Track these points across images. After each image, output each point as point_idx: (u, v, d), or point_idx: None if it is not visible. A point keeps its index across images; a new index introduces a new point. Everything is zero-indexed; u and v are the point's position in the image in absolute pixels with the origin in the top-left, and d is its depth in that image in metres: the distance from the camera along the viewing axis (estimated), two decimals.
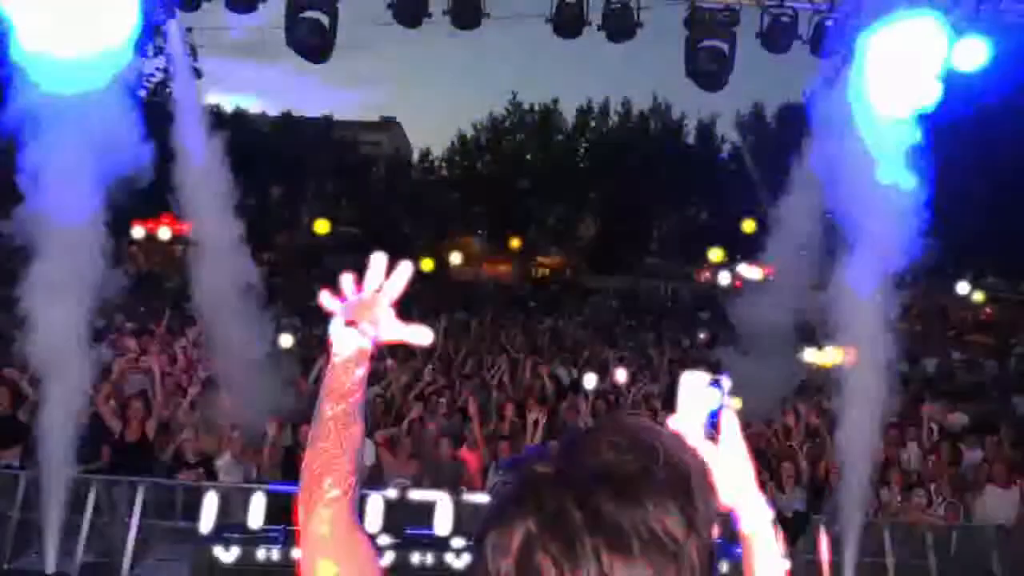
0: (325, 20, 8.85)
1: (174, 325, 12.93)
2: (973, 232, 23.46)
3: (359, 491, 1.45)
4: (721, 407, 1.30)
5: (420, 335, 1.69)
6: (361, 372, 1.51)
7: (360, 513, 1.46)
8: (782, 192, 11.79)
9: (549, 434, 9.09)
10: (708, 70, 9.10)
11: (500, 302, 27.69)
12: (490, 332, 17.21)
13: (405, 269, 1.67)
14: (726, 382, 1.32)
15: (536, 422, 9.26)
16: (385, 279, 1.62)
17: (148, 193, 8.32)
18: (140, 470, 8.18)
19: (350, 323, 1.55)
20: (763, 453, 9.18)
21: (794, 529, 8.28)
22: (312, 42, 8.85)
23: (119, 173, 7.20)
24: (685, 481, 0.98)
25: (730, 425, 1.30)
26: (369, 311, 1.58)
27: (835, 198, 8.37)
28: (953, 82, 11.40)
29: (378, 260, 1.64)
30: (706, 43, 9.04)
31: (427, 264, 43.67)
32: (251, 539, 6.04)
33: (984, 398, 12.99)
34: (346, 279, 1.64)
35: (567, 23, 8.85)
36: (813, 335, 11.53)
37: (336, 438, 1.44)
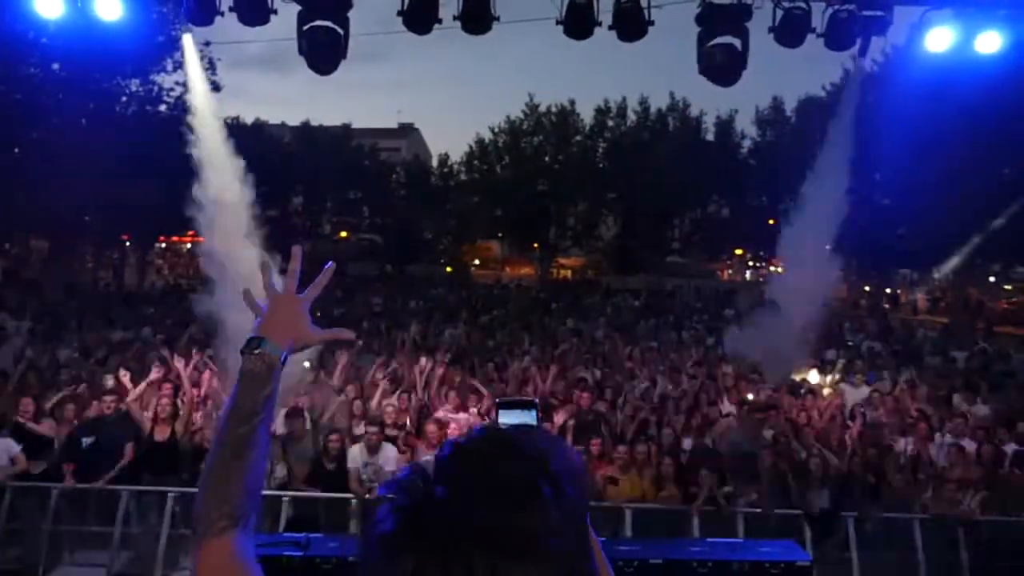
0: (336, 29, 8.91)
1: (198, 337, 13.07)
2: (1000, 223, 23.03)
3: (254, 518, 1.37)
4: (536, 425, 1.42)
5: (341, 335, 1.69)
6: (269, 390, 1.45)
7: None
8: (803, 184, 11.77)
9: (576, 437, 9.09)
10: (721, 66, 9.05)
11: (522, 304, 27.66)
12: (512, 334, 17.22)
13: (329, 271, 1.65)
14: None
15: (564, 424, 9.27)
16: (296, 275, 1.60)
17: (173, 207, 8.45)
18: (167, 469, 8.33)
19: (265, 335, 1.50)
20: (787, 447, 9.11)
21: (821, 528, 8.20)
22: (323, 52, 8.91)
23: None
24: (558, 478, 0.97)
25: None
26: (286, 317, 1.54)
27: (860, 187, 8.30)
28: (980, 72, 11.31)
29: (296, 254, 1.60)
30: (718, 39, 8.99)
31: (448, 268, 43.91)
32: (275, 544, 6.09)
33: (1014, 390, 12.73)
34: (265, 269, 1.60)
35: (577, 24, 8.83)
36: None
37: (232, 461, 1.37)
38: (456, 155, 45.20)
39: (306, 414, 9.17)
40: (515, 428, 1.15)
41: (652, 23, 8.86)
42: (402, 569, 0.90)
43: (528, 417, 1.42)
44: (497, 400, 1.48)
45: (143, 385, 9.03)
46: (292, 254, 1.60)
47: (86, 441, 8.45)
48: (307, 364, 10.38)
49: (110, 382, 9.93)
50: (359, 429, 9.05)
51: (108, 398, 8.83)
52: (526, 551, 0.90)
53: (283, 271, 1.65)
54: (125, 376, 9.22)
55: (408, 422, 9.44)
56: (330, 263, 1.66)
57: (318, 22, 8.91)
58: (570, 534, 0.95)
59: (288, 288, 1.59)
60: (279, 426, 8.62)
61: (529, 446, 1.01)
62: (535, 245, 42.79)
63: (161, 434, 8.64)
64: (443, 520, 0.91)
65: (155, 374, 9.36)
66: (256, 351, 1.47)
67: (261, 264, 1.62)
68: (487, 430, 1.07)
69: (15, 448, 8.31)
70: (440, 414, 9.47)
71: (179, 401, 9.02)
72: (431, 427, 8.77)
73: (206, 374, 10.02)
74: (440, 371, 10.58)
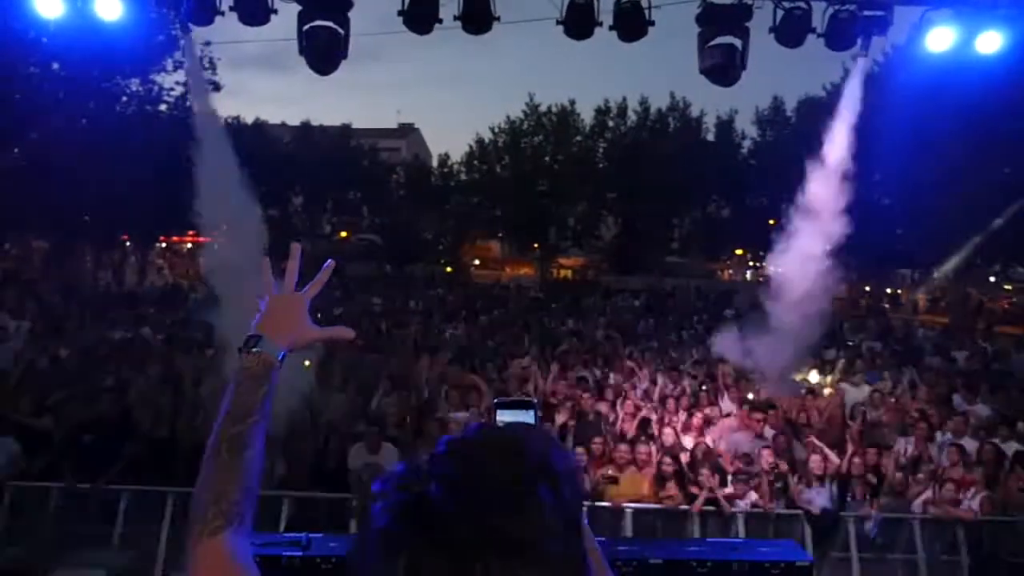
0: (336, 29, 8.91)
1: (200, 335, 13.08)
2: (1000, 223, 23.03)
3: (250, 517, 1.36)
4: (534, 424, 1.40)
5: (341, 333, 1.68)
6: (265, 390, 1.44)
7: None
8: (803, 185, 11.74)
9: (577, 437, 9.10)
10: (721, 66, 9.04)
11: (522, 304, 27.65)
12: (512, 335, 17.21)
13: (328, 268, 1.64)
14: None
15: (564, 424, 9.28)
16: (295, 272, 1.59)
17: (173, 206, 8.46)
18: (167, 467, 8.33)
19: (263, 334, 1.50)
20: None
21: (822, 528, 8.20)
22: (323, 51, 8.91)
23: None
24: (556, 480, 0.97)
25: None
26: (285, 315, 1.54)
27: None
28: (981, 72, 11.31)
29: (295, 251, 1.60)
30: (718, 39, 8.99)
31: (448, 268, 43.90)
32: (275, 544, 6.09)
33: (1014, 390, 12.72)
34: (265, 268, 1.60)
35: (577, 24, 8.82)
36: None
37: (228, 460, 1.36)
38: (456, 155, 45.30)
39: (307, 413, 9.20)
40: (512, 427, 1.14)
41: (652, 23, 8.86)
42: (397, 566, 0.89)
43: (527, 417, 1.41)
44: (495, 400, 1.47)
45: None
46: (291, 251, 1.60)
47: (86, 439, 8.46)
48: (307, 363, 10.39)
49: (109, 382, 9.98)
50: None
51: (108, 396, 8.85)
52: (523, 553, 0.89)
53: (283, 269, 1.65)
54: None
55: (408, 420, 9.44)
56: (329, 261, 1.66)
57: (318, 22, 8.90)
58: (566, 536, 0.94)
59: (287, 286, 1.59)
60: (280, 425, 8.63)
61: (526, 446, 1.00)
62: (535, 245, 42.80)
63: (160, 432, 8.66)
64: (438, 518, 0.90)
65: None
66: (254, 350, 1.48)
67: (262, 261, 1.61)
68: (483, 428, 1.07)
69: (14, 448, 8.32)
70: (440, 413, 9.47)
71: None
72: (432, 426, 8.78)
73: None
74: (439, 370, 10.60)
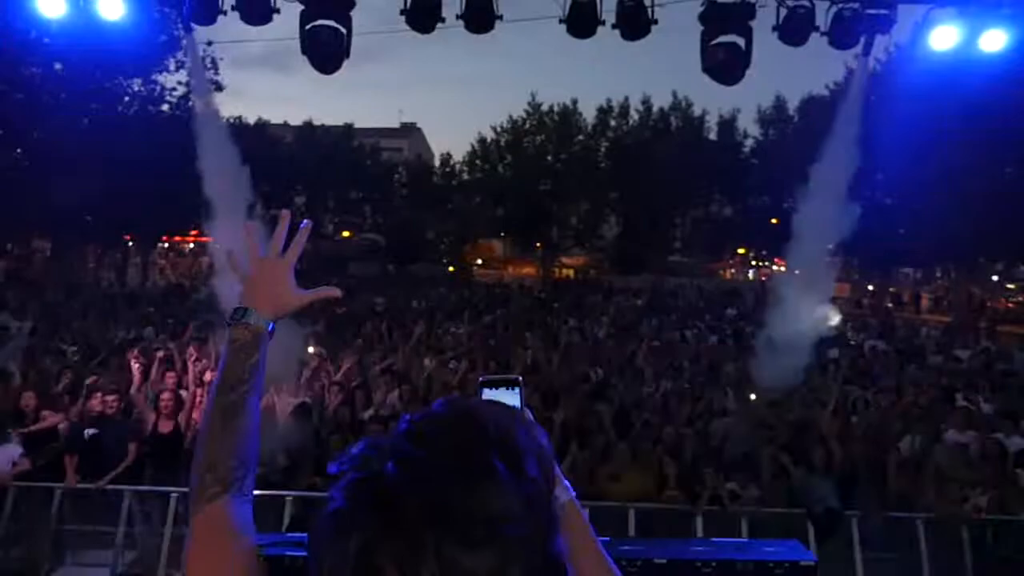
0: (339, 28, 8.91)
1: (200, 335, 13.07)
2: (1003, 221, 22.97)
3: (250, 485, 1.37)
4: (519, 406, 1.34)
5: (327, 293, 1.68)
6: (256, 359, 1.46)
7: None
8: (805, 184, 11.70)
9: (578, 434, 9.07)
10: (724, 65, 9.03)
11: (524, 304, 27.66)
12: (514, 333, 17.21)
13: (305, 229, 1.63)
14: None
15: (562, 423, 9.25)
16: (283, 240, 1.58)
17: (175, 206, 8.47)
18: (171, 463, 8.33)
19: (250, 306, 1.51)
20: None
21: (825, 527, 8.17)
22: (326, 51, 8.91)
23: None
24: (518, 457, 0.91)
25: None
26: (270, 280, 1.54)
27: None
28: (984, 71, 11.27)
29: (284, 216, 1.59)
30: (721, 38, 8.97)
31: (451, 268, 43.91)
32: (278, 544, 6.08)
33: (1017, 389, 12.71)
34: (251, 233, 1.60)
35: (581, 23, 8.81)
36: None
37: (221, 430, 1.38)
38: (458, 155, 45.48)
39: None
40: (478, 402, 1.08)
41: (655, 22, 8.84)
42: (349, 547, 0.85)
43: (511, 396, 1.36)
44: (480, 378, 1.42)
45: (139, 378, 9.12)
46: (280, 217, 1.59)
47: (88, 433, 8.46)
48: (311, 350, 10.50)
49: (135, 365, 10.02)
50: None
51: (110, 397, 8.84)
52: (478, 535, 0.84)
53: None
54: (136, 365, 9.36)
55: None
56: (307, 222, 1.66)
57: (320, 21, 8.90)
58: (530, 520, 0.87)
59: (273, 252, 1.58)
60: (285, 417, 8.71)
61: (486, 420, 0.94)
62: (537, 244, 42.84)
63: (165, 428, 8.68)
64: (391, 497, 0.86)
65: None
66: (242, 321, 1.49)
67: (246, 227, 1.61)
68: (447, 403, 1.00)
69: (17, 453, 8.33)
70: None
71: (182, 392, 9.09)
72: None
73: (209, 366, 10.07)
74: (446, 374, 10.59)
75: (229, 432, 1.38)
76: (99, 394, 8.75)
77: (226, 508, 1.32)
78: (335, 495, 0.91)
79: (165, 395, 8.85)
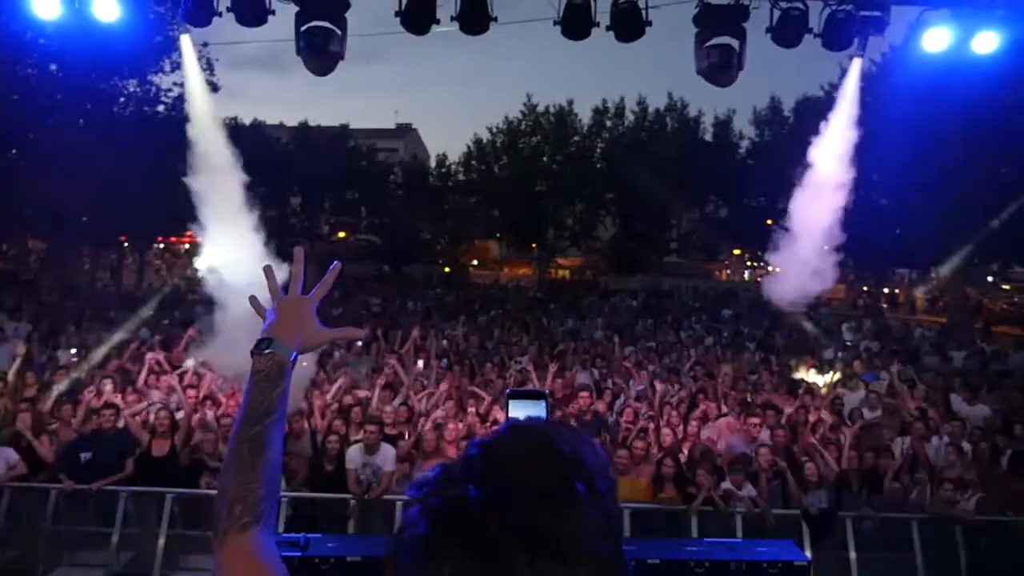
0: (334, 30, 8.91)
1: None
2: (998, 223, 23.02)
3: (276, 516, 1.39)
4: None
5: (351, 333, 1.73)
6: (280, 391, 1.47)
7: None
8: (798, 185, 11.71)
9: None
10: (718, 66, 9.05)
11: (520, 304, 27.67)
12: (510, 335, 17.21)
13: (334, 270, 1.66)
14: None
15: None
16: (300, 275, 1.61)
17: (171, 208, 8.43)
18: (166, 484, 8.29)
19: (274, 336, 1.52)
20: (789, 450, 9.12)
21: (819, 527, 8.20)
22: (321, 52, 8.90)
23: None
24: (591, 477, 0.95)
25: None
26: (294, 319, 1.55)
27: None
28: (977, 72, 11.31)
29: (299, 256, 1.62)
30: (716, 40, 8.99)
31: (447, 269, 43.89)
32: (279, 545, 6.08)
33: (1012, 389, 12.75)
34: (269, 274, 1.61)
35: (575, 24, 8.81)
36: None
37: (248, 463, 1.39)
38: (454, 155, 45.38)
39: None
40: (541, 423, 1.12)
41: (650, 23, 8.85)
42: (439, 573, 0.87)
43: (538, 409, 1.42)
44: (508, 390, 1.48)
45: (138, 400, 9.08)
46: (294, 256, 1.61)
47: (84, 456, 8.41)
48: (304, 364, 10.38)
49: (108, 386, 9.95)
50: (358, 434, 8.97)
51: (107, 412, 8.80)
52: (569, 553, 0.87)
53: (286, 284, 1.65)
54: (107, 387, 9.33)
55: (407, 434, 9.32)
56: (336, 263, 1.68)
57: (316, 23, 8.89)
58: (607, 533, 0.92)
59: (293, 290, 1.60)
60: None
61: (557, 442, 0.98)
62: (533, 245, 42.81)
63: (160, 448, 8.61)
64: (480, 521, 0.88)
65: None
66: (266, 351, 1.50)
67: (264, 269, 1.62)
68: (515, 427, 1.05)
69: (14, 457, 8.32)
70: (438, 416, 9.43)
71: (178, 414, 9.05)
72: (428, 434, 8.78)
73: (207, 376, 10.04)
74: (443, 385, 10.55)
75: (256, 464, 1.39)
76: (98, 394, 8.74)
77: (255, 540, 1.33)
78: (417, 520, 0.93)
79: (160, 415, 8.79)
